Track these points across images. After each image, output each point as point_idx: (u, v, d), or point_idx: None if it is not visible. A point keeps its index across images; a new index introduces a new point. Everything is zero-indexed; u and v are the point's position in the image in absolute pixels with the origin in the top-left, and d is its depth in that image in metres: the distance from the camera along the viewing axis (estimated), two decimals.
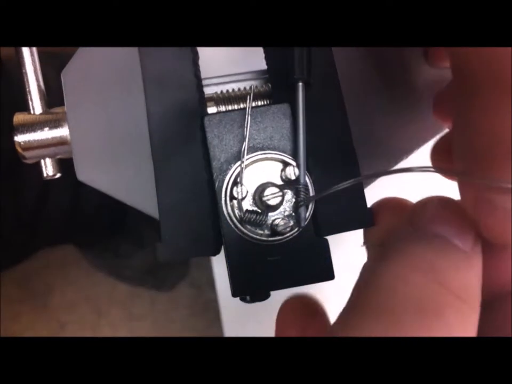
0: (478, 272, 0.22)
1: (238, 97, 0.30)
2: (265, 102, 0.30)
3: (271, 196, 0.26)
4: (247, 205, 0.27)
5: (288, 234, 0.27)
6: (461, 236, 0.22)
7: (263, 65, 0.30)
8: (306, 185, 0.27)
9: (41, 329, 1.18)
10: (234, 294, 0.27)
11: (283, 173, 0.27)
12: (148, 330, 1.18)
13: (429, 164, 0.31)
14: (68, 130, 0.29)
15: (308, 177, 0.27)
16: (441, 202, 0.24)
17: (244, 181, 0.26)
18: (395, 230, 0.24)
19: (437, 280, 0.20)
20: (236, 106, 0.30)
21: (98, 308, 1.20)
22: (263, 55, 0.30)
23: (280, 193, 0.26)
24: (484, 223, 0.22)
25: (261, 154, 0.27)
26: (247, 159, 0.27)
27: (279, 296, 0.31)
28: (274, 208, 0.27)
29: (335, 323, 0.23)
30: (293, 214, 0.27)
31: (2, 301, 1.12)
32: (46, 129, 0.29)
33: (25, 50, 0.29)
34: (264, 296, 0.28)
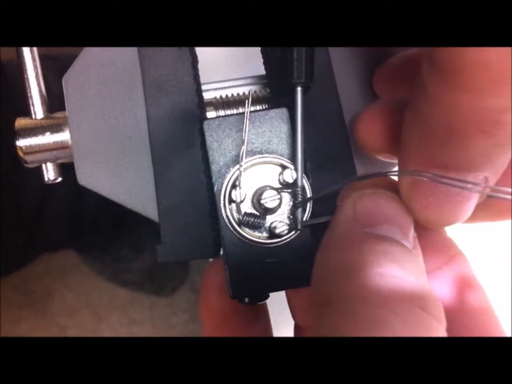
0: (422, 266, 0.23)
1: (237, 101, 0.31)
2: (263, 107, 0.30)
3: (269, 199, 0.26)
4: (246, 207, 0.27)
5: (286, 237, 0.27)
6: (405, 235, 0.23)
7: (262, 70, 0.31)
8: (303, 188, 0.27)
9: (41, 334, 1.17)
10: (233, 296, 0.27)
11: (281, 176, 0.27)
12: (148, 334, 1.18)
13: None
14: (69, 134, 0.29)
15: (306, 180, 0.27)
16: (378, 197, 0.24)
17: (242, 184, 0.27)
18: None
19: (387, 286, 0.20)
20: (234, 111, 0.30)
21: (98, 312, 1.20)
22: (262, 60, 0.30)
23: (278, 196, 0.27)
24: (420, 205, 0.23)
25: (259, 158, 0.28)
26: (245, 163, 0.27)
27: (277, 298, 0.31)
28: (273, 211, 0.27)
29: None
30: (291, 216, 0.27)
31: (2, 306, 1.12)
32: (47, 133, 0.29)
33: (27, 55, 0.29)
34: (262, 297, 0.28)
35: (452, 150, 0.21)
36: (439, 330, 0.20)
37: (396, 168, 0.31)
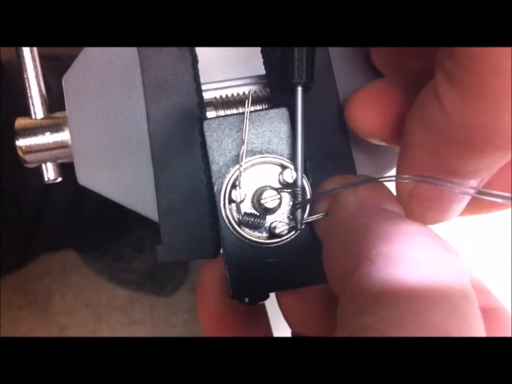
0: None
1: (237, 101, 0.31)
2: (263, 106, 0.30)
3: (269, 199, 0.26)
4: (246, 207, 0.27)
5: (286, 237, 0.27)
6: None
7: (262, 70, 0.31)
8: (303, 188, 0.27)
9: (41, 334, 1.17)
10: (233, 296, 0.27)
11: (281, 176, 0.27)
12: (148, 334, 1.18)
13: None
14: (69, 134, 0.29)
15: (306, 180, 0.27)
16: (373, 184, 0.24)
17: (242, 184, 0.27)
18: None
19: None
20: (234, 111, 0.30)
21: (98, 313, 1.20)
22: (262, 60, 0.30)
23: (278, 196, 0.27)
24: (420, 208, 0.23)
25: (259, 157, 0.28)
26: (245, 163, 0.27)
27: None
28: (272, 211, 0.27)
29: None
30: (291, 216, 0.27)
31: (2, 306, 1.12)
32: (47, 133, 0.29)
33: (27, 55, 0.29)
34: (262, 297, 0.28)
35: (465, 161, 0.21)
36: (481, 328, 0.19)
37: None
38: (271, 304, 0.31)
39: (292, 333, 0.33)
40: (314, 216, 0.27)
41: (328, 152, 0.28)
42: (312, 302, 0.29)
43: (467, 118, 0.20)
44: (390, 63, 0.29)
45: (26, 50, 0.29)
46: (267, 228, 0.27)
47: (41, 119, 0.30)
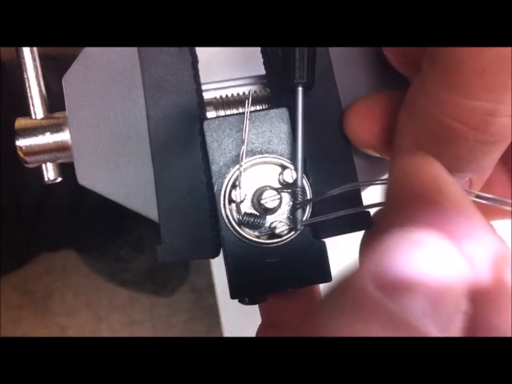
0: None
1: (237, 101, 0.31)
2: (263, 107, 0.30)
3: (269, 199, 0.26)
4: (246, 207, 0.27)
5: (286, 237, 0.27)
6: None
7: (262, 70, 0.31)
8: (303, 188, 0.27)
9: (41, 334, 1.17)
10: (233, 296, 0.27)
11: (281, 176, 0.27)
12: (148, 334, 1.18)
13: None
14: (69, 134, 0.29)
15: (306, 180, 0.27)
16: None
17: (242, 184, 0.27)
18: None
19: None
20: (234, 111, 0.30)
21: (99, 312, 1.20)
22: (262, 60, 0.30)
23: (278, 196, 0.27)
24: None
25: (259, 158, 0.27)
26: (245, 163, 0.27)
27: None
28: (272, 211, 0.27)
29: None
30: (291, 216, 0.27)
31: (2, 306, 1.12)
32: (47, 133, 0.29)
33: (27, 55, 0.29)
34: (263, 298, 0.28)
35: (443, 146, 0.22)
36: None
37: None
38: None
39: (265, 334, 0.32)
40: (314, 218, 0.27)
41: (328, 152, 0.28)
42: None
43: (441, 95, 0.20)
44: (401, 56, 0.29)
45: (26, 50, 0.29)
46: (267, 228, 0.27)
47: (41, 119, 0.29)
